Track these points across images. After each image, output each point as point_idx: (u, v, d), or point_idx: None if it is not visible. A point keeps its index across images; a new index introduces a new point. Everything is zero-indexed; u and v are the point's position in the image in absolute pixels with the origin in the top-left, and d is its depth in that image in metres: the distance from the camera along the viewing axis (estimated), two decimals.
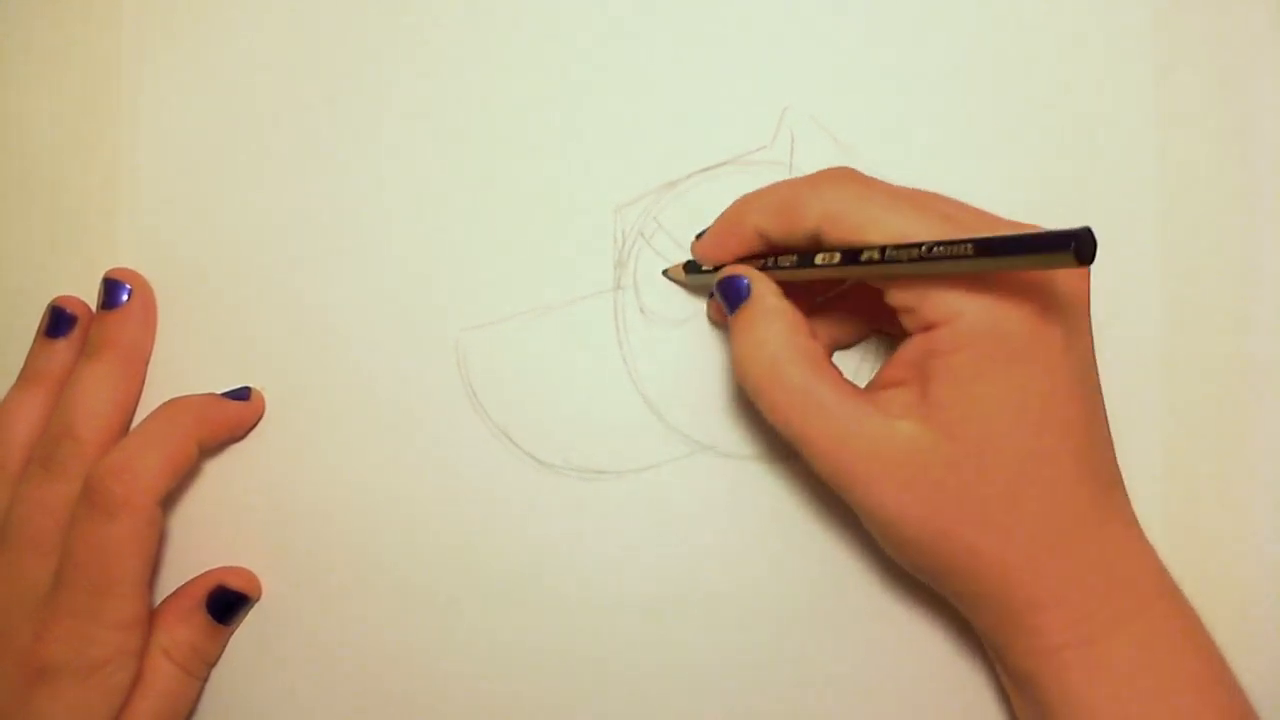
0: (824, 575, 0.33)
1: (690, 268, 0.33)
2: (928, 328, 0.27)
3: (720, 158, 0.34)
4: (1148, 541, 0.29)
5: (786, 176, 0.34)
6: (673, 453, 0.34)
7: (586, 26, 0.35)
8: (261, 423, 0.35)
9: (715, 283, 0.31)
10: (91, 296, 0.35)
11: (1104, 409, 0.29)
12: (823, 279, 0.29)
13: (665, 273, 0.34)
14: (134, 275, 0.35)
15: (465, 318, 0.35)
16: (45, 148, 0.37)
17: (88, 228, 0.37)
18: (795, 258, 0.29)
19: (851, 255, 0.27)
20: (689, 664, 0.33)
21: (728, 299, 0.30)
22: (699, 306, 0.34)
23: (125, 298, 0.35)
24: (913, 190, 0.29)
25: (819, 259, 0.28)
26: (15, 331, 0.36)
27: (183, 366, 0.36)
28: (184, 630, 0.33)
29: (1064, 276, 0.27)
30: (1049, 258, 0.23)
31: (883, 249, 0.26)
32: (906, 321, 0.28)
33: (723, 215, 0.31)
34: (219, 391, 0.35)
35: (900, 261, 0.26)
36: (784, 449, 0.34)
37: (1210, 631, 0.28)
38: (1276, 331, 0.33)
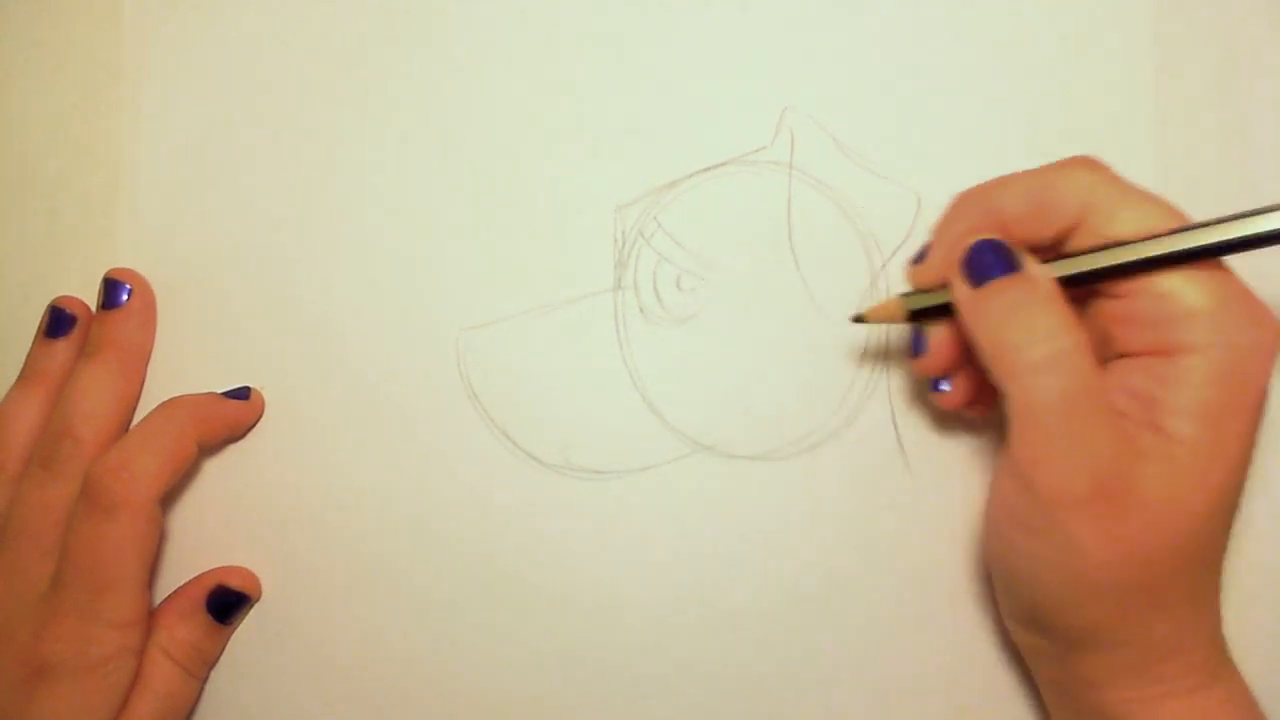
0: (823, 575, 0.33)
1: (917, 315, 0.29)
2: (1167, 352, 0.25)
3: (720, 158, 0.34)
4: None
5: (786, 177, 0.34)
6: (673, 453, 0.34)
7: (586, 26, 0.35)
8: (261, 422, 0.35)
9: (960, 261, 0.25)
10: (91, 296, 0.35)
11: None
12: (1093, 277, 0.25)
13: (860, 319, 0.30)
14: (134, 275, 0.35)
15: (465, 318, 0.35)
16: (45, 148, 0.37)
17: (88, 228, 0.37)
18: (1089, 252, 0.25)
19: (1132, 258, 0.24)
20: (688, 664, 0.33)
21: (978, 268, 0.25)
22: (699, 306, 0.34)
23: (125, 298, 0.35)
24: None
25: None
26: (15, 331, 0.36)
27: (183, 366, 0.36)
28: (184, 630, 0.33)
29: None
30: None
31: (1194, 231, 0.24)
32: (1140, 338, 0.25)
33: (953, 207, 0.27)
34: (218, 391, 0.35)
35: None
36: (784, 448, 0.34)
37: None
38: None
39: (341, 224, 0.35)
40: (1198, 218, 0.33)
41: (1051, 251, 0.26)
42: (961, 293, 0.26)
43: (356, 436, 0.35)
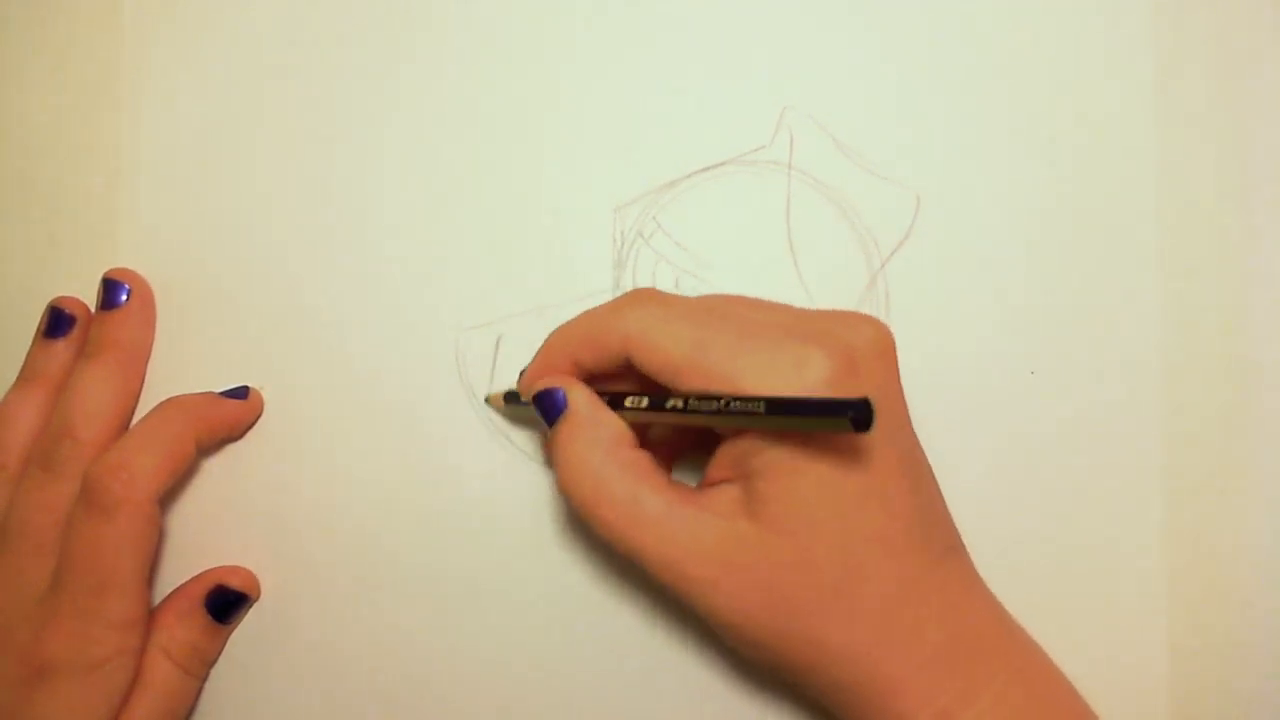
0: None
1: (510, 398, 0.33)
2: (743, 429, 0.27)
3: (719, 157, 0.34)
4: (995, 601, 0.29)
5: (785, 177, 0.34)
6: None
7: (586, 26, 0.35)
8: (260, 422, 0.35)
9: (528, 394, 0.30)
10: (91, 297, 0.35)
11: (930, 475, 0.29)
12: (635, 420, 0.29)
13: (487, 400, 0.34)
14: (133, 275, 0.35)
15: (465, 318, 0.35)
16: (45, 148, 0.37)
17: (88, 228, 0.37)
18: (608, 396, 0.30)
19: (658, 403, 0.28)
20: (688, 662, 0.33)
21: (545, 413, 0.30)
22: None
23: (124, 298, 0.35)
24: (715, 301, 0.29)
25: (628, 402, 0.29)
26: (15, 331, 0.36)
27: (182, 366, 0.36)
28: (183, 630, 0.33)
29: (866, 363, 0.27)
30: (831, 421, 0.25)
31: (685, 399, 0.27)
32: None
33: (541, 348, 0.31)
34: (217, 391, 0.35)
35: (700, 412, 0.27)
36: None
37: (1075, 678, 0.28)
38: (1275, 332, 0.33)
39: (341, 224, 0.35)
40: (1196, 219, 0.33)
41: (624, 368, 0.29)
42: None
43: (355, 436, 0.35)
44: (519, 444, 0.34)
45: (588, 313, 0.30)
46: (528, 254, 0.35)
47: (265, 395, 0.35)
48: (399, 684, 0.34)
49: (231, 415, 0.34)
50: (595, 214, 0.35)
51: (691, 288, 0.34)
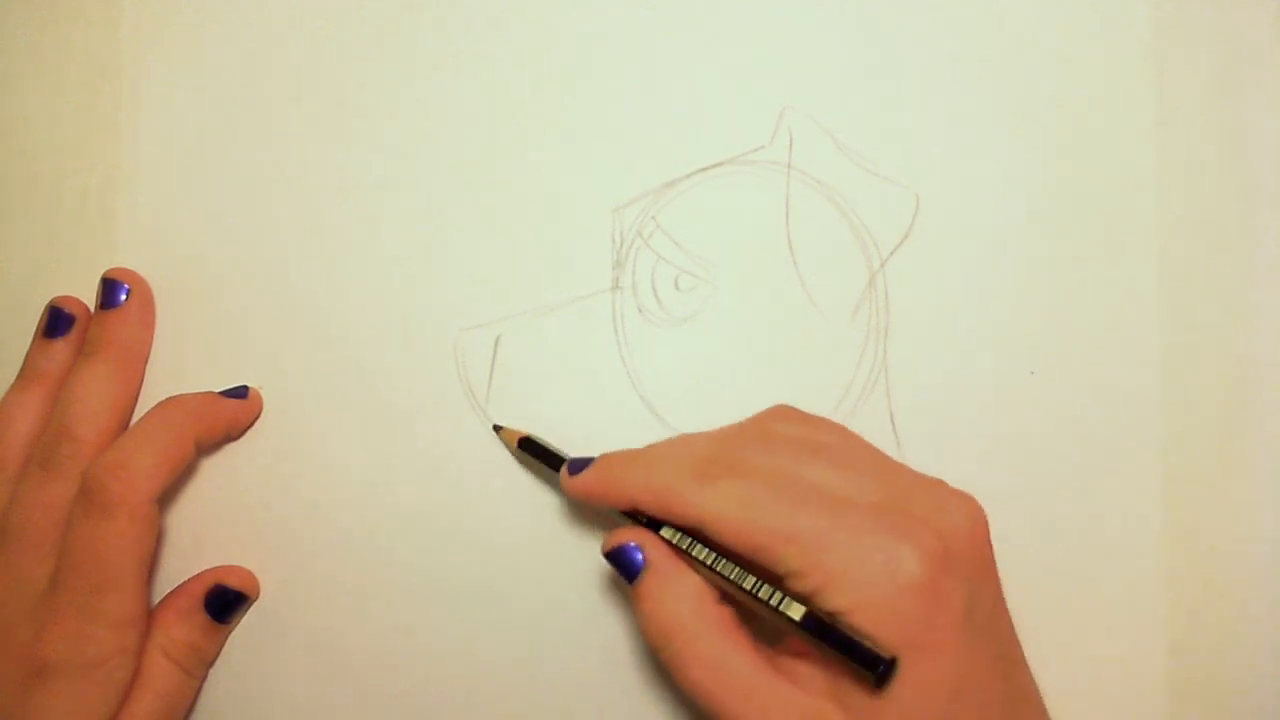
0: None
1: (525, 444, 0.33)
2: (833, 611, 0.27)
3: (719, 158, 0.34)
4: None
5: (785, 177, 0.34)
6: None
7: (585, 26, 0.35)
8: (260, 422, 0.35)
9: (603, 550, 0.30)
10: (91, 296, 0.35)
11: (1020, 654, 0.28)
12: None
13: (496, 429, 0.34)
14: (132, 275, 0.35)
15: (465, 318, 0.35)
16: (45, 148, 0.37)
17: (88, 228, 0.37)
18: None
19: (717, 567, 0.28)
20: None
21: (624, 569, 0.29)
22: (697, 306, 0.34)
23: (124, 298, 0.35)
24: (800, 465, 0.28)
25: (694, 551, 0.29)
26: (15, 331, 0.36)
27: (181, 366, 0.36)
28: (182, 629, 0.33)
29: (960, 556, 0.27)
30: (854, 663, 0.25)
31: (741, 582, 0.28)
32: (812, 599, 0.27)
33: (597, 484, 0.30)
34: (217, 390, 0.35)
35: (755, 598, 0.27)
36: None
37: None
38: (1276, 331, 0.33)
39: (340, 224, 0.35)
40: (1196, 219, 0.33)
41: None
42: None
43: (354, 436, 0.35)
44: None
45: (651, 469, 0.29)
46: (527, 254, 0.35)
47: (264, 395, 0.35)
48: (398, 684, 0.34)
49: (231, 415, 0.34)
50: (595, 214, 0.35)
51: (691, 288, 0.34)
